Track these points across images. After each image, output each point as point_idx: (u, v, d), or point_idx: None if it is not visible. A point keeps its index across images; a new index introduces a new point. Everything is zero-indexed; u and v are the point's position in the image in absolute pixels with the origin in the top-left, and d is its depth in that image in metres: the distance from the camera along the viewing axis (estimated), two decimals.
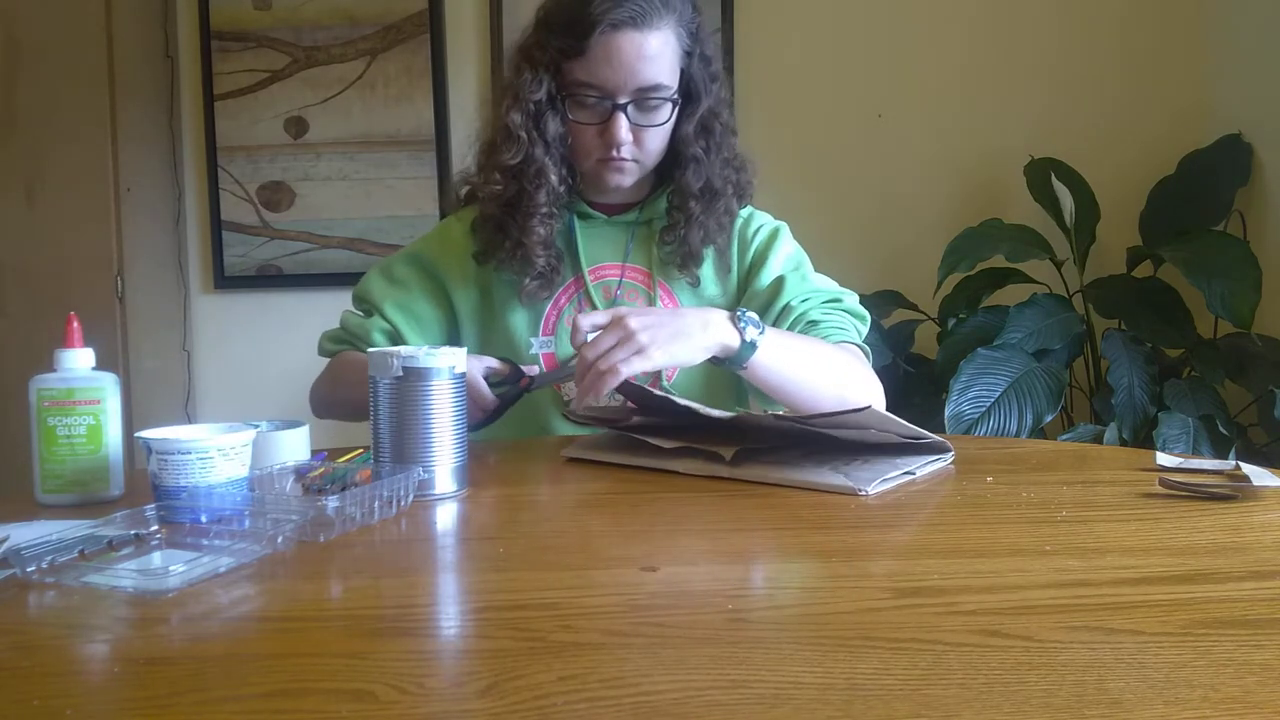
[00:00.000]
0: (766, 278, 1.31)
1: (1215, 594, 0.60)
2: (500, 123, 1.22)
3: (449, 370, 0.89)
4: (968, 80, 2.48)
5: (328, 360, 1.37)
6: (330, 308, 1.40)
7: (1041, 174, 2.28)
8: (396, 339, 1.30)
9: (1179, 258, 2.07)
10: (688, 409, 0.98)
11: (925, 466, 0.95)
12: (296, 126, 2.52)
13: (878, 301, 2.36)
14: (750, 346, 1.07)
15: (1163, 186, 2.35)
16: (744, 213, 1.35)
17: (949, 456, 0.99)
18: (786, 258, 1.33)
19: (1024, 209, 2.33)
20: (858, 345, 1.28)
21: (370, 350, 0.91)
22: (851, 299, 1.32)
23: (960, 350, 2.06)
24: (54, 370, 0.89)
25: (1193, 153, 2.34)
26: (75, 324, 0.91)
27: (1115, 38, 2.46)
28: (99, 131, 2.42)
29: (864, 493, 0.85)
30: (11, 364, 2.29)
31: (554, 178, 1.21)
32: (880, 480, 0.87)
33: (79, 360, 0.90)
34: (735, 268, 1.33)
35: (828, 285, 1.32)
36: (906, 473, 0.92)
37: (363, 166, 2.53)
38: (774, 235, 1.35)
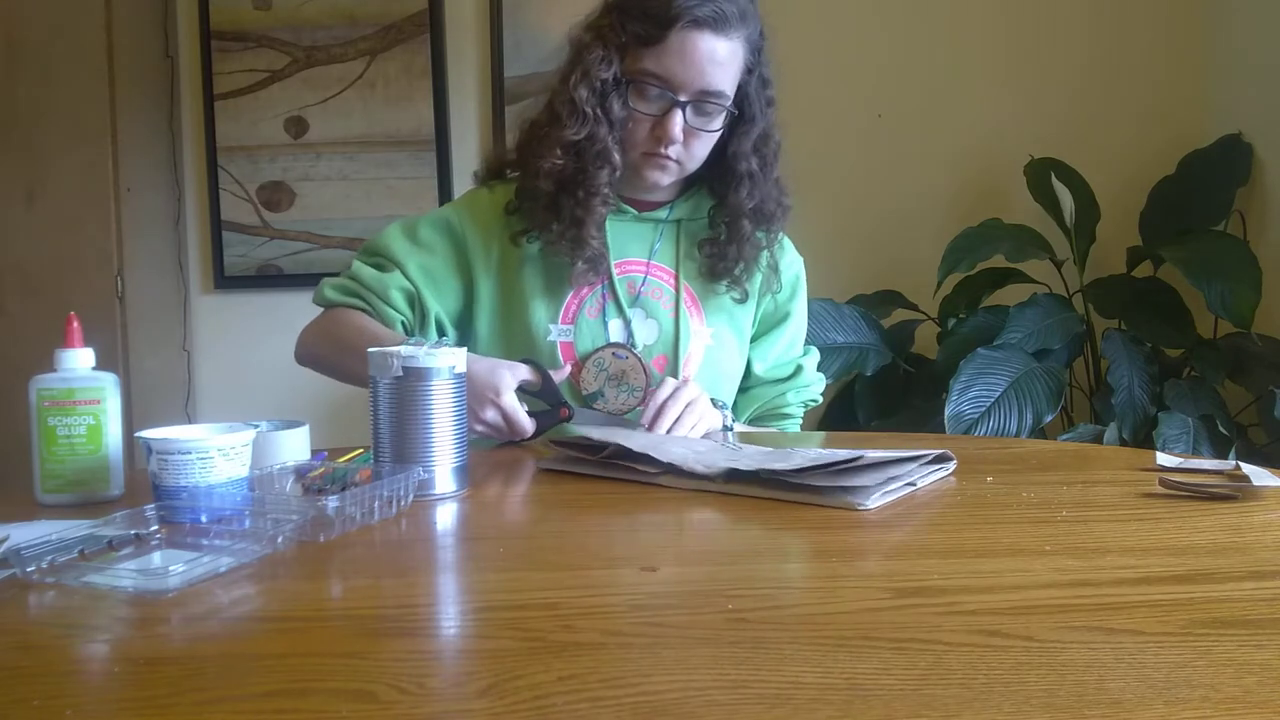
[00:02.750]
0: (784, 343, 1.39)
1: (1215, 594, 0.60)
2: (565, 95, 1.20)
3: (449, 370, 0.89)
4: (968, 80, 2.48)
5: (323, 309, 1.31)
6: None
7: (1041, 174, 2.28)
8: (415, 302, 1.27)
9: (1179, 258, 2.07)
10: (671, 466, 0.93)
11: (926, 477, 0.92)
12: (296, 126, 2.52)
13: (878, 301, 2.36)
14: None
15: (1163, 186, 2.35)
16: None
17: (950, 465, 0.96)
18: (801, 319, 1.41)
19: (1024, 209, 2.33)
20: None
21: (370, 350, 0.91)
22: (812, 367, 1.41)
23: (960, 350, 2.06)
24: (54, 370, 0.89)
25: (1193, 153, 2.34)
26: (75, 324, 0.91)
27: (1116, 38, 2.46)
28: (99, 132, 2.42)
29: (863, 507, 0.81)
30: (11, 364, 2.29)
31: (617, 158, 1.21)
32: (880, 494, 0.84)
33: (79, 360, 0.90)
34: (760, 288, 1.35)
35: (810, 363, 1.41)
36: (908, 484, 0.89)
37: (363, 166, 2.53)
38: (798, 283, 1.40)
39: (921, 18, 2.48)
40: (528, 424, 1.11)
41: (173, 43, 2.53)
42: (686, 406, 1.14)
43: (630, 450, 0.95)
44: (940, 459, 0.95)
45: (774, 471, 0.88)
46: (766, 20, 1.24)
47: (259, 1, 2.50)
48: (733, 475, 0.90)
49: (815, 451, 0.93)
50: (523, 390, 1.14)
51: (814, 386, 1.40)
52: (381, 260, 1.28)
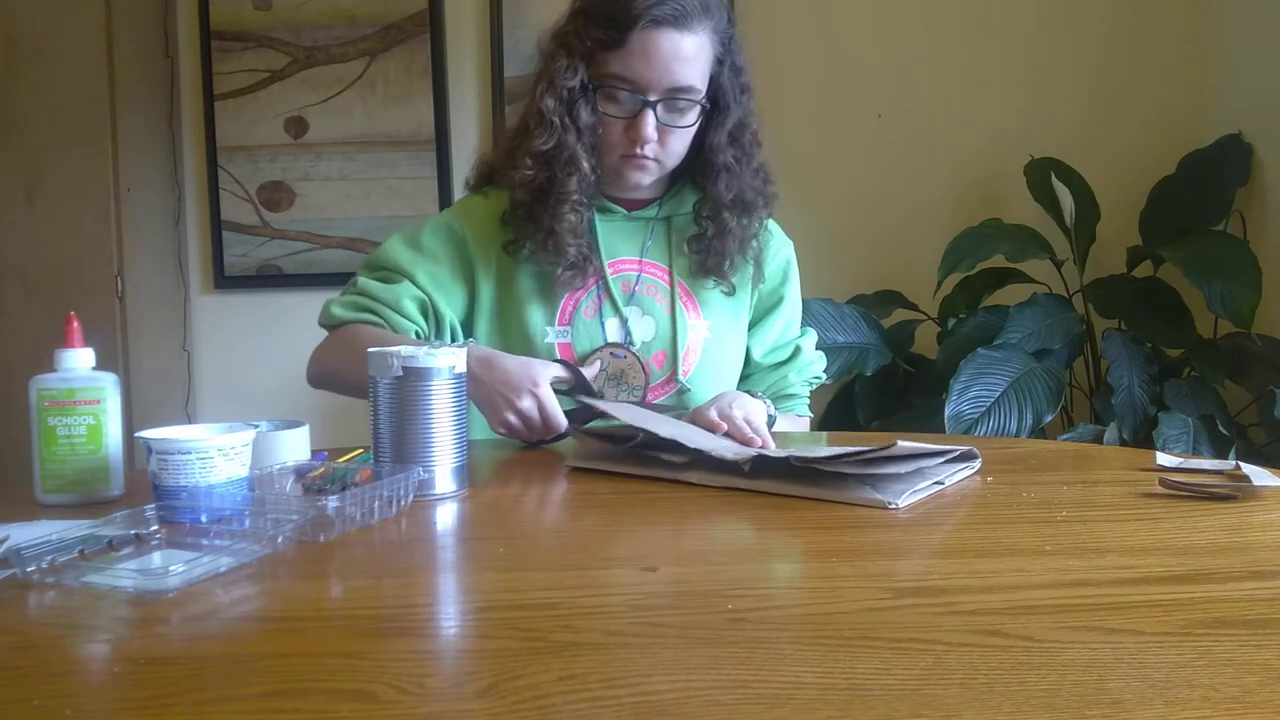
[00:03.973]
0: (779, 326, 1.39)
1: (1215, 594, 0.60)
2: (534, 107, 1.21)
3: (449, 370, 0.89)
4: (968, 80, 2.48)
5: (331, 330, 1.29)
6: None
7: (1041, 174, 2.28)
8: (428, 311, 1.26)
9: (1179, 258, 2.07)
10: (698, 451, 0.93)
11: (953, 476, 0.92)
12: (296, 126, 2.52)
13: (878, 301, 2.36)
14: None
15: (1163, 186, 2.34)
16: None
17: (976, 464, 0.96)
18: (795, 302, 1.41)
19: (1024, 209, 2.33)
20: (808, 414, 1.42)
21: (370, 350, 0.91)
22: (811, 346, 1.41)
23: (960, 350, 2.06)
24: (54, 370, 0.89)
25: (1193, 153, 2.34)
26: (75, 324, 0.91)
27: (1115, 37, 2.46)
28: (99, 132, 2.42)
29: (894, 506, 0.81)
30: (11, 364, 2.29)
31: (586, 165, 1.21)
32: (910, 492, 0.84)
33: (79, 360, 0.90)
34: (752, 279, 1.35)
35: (808, 343, 1.41)
36: (936, 483, 0.89)
37: (363, 166, 2.53)
38: (788, 266, 1.40)
39: (922, 17, 2.48)
40: (562, 418, 1.10)
41: (173, 43, 2.52)
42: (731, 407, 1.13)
43: (658, 437, 0.96)
44: (966, 456, 0.95)
45: (805, 458, 0.87)
46: (745, 14, 1.23)
47: (259, 1, 2.49)
48: (762, 462, 0.90)
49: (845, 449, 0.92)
50: (554, 389, 1.12)
51: (815, 365, 1.41)
52: (388, 273, 1.27)
